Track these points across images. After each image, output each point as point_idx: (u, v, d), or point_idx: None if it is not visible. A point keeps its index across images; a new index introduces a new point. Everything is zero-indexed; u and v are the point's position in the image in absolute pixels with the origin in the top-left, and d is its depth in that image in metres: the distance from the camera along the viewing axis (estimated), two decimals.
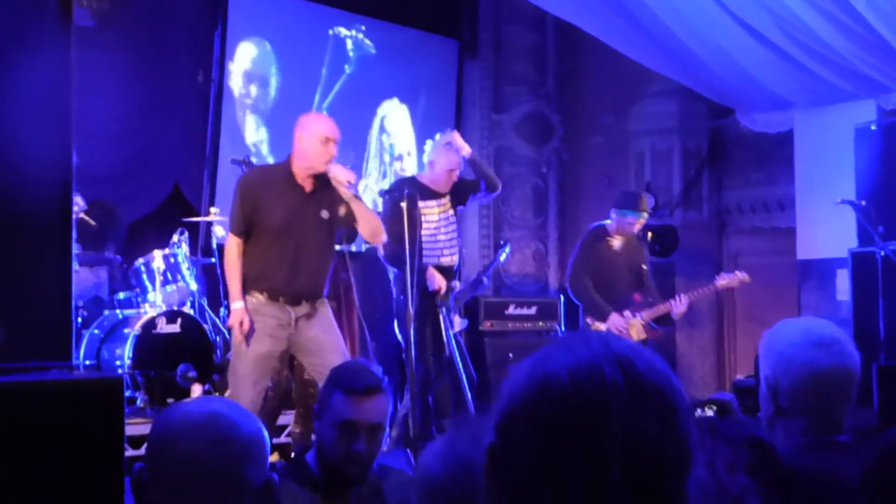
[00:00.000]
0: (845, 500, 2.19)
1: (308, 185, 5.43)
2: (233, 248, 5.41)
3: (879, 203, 7.41)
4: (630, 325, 7.19)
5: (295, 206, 5.38)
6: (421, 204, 6.51)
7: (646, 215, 7.47)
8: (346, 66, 9.66)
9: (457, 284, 6.83)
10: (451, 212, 6.77)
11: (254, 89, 8.99)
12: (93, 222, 7.41)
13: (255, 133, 9.00)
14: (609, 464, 1.12)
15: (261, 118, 9.05)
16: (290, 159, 5.47)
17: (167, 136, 8.68)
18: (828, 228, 8.26)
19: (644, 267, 7.55)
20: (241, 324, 5.26)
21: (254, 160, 7.43)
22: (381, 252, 6.67)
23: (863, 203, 7.38)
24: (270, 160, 8.72)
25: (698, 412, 2.79)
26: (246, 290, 5.38)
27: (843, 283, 8.03)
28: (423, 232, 6.53)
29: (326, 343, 5.41)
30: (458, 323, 7.09)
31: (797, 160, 8.93)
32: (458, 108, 10.72)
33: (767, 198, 9.75)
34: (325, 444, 3.17)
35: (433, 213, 6.65)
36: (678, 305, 7.25)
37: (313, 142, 5.34)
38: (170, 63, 8.69)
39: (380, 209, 6.76)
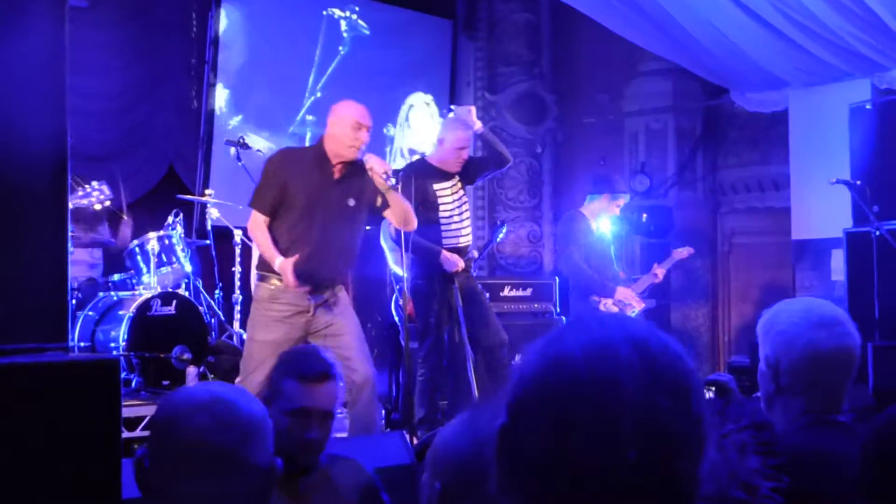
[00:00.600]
0: (844, 479, 2.18)
1: (337, 172, 5.41)
2: (258, 221, 5.38)
3: (874, 182, 7.41)
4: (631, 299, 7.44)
5: (320, 191, 5.37)
6: (435, 187, 6.47)
7: (628, 195, 7.97)
8: (341, 48, 9.62)
9: (475, 253, 6.77)
10: (462, 192, 6.68)
11: (260, 66, 8.96)
12: (125, 216, 7.47)
13: (255, 106, 8.97)
14: (622, 446, 1.10)
15: (262, 91, 9.02)
16: (321, 143, 5.46)
17: (161, 117, 8.66)
18: (823, 208, 8.25)
19: (615, 247, 7.93)
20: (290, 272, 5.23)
21: (249, 143, 7.41)
22: (391, 234, 6.61)
23: (858, 182, 7.37)
24: (234, 122, 8.71)
25: None
26: (264, 275, 5.38)
27: (837, 263, 8.02)
28: (440, 215, 6.48)
29: (343, 326, 5.40)
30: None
31: (792, 140, 8.91)
32: (452, 88, 10.69)
33: (762, 177, 9.74)
34: (277, 432, 3.12)
35: (447, 195, 6.56)
36: (657, 278, 7.91)
37: (344, 128, 5.34)
38: (163, 43, 8.66)
39: None
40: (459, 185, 6.66)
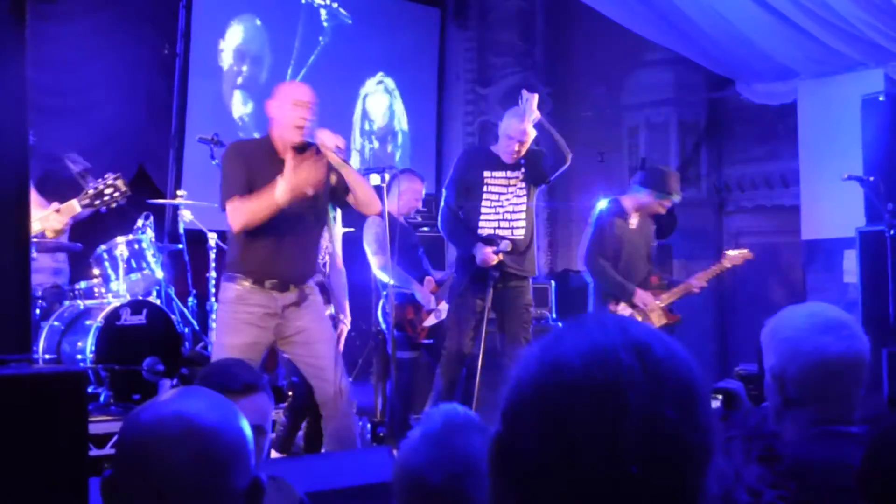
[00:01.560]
0: (856, 493, 2.20)
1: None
2: (237, 205, 5.17)
3: (889, 178, 7.41)
4: (651, 310, 7.20)
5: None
6: (486, 173, 6.49)
7: (678, 197, 7.37)
8: (321, 38, 9.63)
9: (508, 245, 6.51)
10: (523, 185, 6.58)
11: (245, 67, 9.02)
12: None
13: (241, 107, 9.02)
14: (624, 456, 1.11)
15: (249, 94, 9.07)
16: (269, 134, 5.40)
17: (130, 114, 8.65)
18: (834, 206, 8.28)
19: (653, 245, 7.56)
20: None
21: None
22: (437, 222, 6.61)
23: (871, 179, 7.38)
24: (246, 116, 8.77)
25: None
26: (232, 275, 5.32)
27: (850, 264, 8.05)
28: (483, 202, 6.49)
29: (316, 333, 5.35)
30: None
31: (801, 133, 8.94)
32: (441, 81, 10.70)
33: (770, 174, 9.77)
34: None
35: (498, 185, 6.54)
36: (695, 288, 7.36)
37: (283, 107, 5.28)
38: (134, 36, 8.65)
39: None
40: (520, 179, 6.58)
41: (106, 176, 5.67)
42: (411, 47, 10.45)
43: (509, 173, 6.54)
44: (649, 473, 1.12)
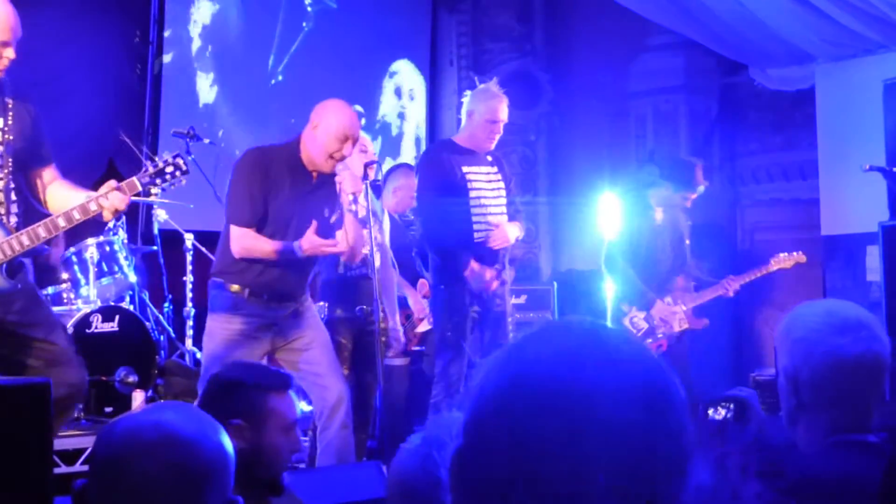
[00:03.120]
0: None
1: (315, 177, 5.42)
2: (247, 233, 5.28)
3: None
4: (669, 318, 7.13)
5: (300, 197, 5.36)
6: (465, 169, 6.39)
7: (702, 189, 7.38)
8: (304, 24, 9.62)
9: (508, 273, 6.54)
10: (500, 181, 6.53)
11: (212, 47, 8.99)
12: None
13: (207, 93, 8.99)
14: (591, 467, 1.11)
15: (226, 86, 9.06)
16: (299, 142, 5.41)
17: (99, 107, 8.62)
18: (856, 199, 8.26)
19: (687, 242, 7.50)
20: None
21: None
22: (417, 230, 6.55)
23: (894, 169, 7.38)
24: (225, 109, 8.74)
25: (713, 411, 2.81)
26: (223, 282, 5.36)
27: (873, 261, 8.03)
28: (471, 202, 6.36)
29: (313, 339, 5.42)
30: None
31: (820, 121, 8.92)
32: (433, 67, 10.69)
33: (787, 165, 9.77)
34: (272, 453, 3.17)
35: (480, 179, 6.45)
36: (727, 292, 7.39)
37: (329, 136, 5.28)
38: (103, 23, 8.62)
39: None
40: (497, 172, 6.53)
41: (163, 155, 5.25)
42: (401, 32, 10.44)
43: (487, 168, 6.49)
44: (618, 484, 1.12)
